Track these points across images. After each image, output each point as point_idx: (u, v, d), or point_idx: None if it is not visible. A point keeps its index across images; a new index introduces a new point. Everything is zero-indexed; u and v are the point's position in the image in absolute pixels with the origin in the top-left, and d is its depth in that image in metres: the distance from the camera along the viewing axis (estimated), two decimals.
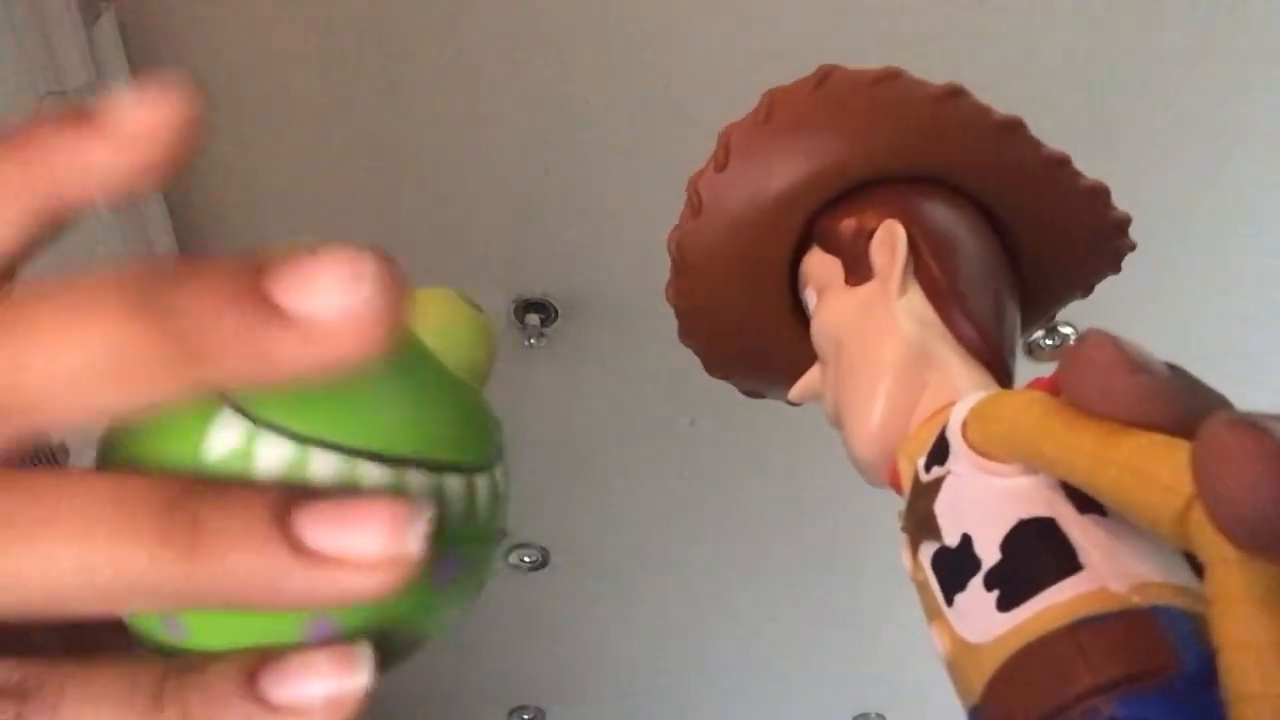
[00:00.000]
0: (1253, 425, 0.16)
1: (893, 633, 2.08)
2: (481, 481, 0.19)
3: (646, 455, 1.86)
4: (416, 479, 0.17)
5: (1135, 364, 0.20)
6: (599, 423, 1.81)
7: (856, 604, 2.09)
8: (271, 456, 0.16)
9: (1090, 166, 0.35)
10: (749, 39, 1.30)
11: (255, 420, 0.16)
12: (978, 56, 1.30)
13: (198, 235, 1.50)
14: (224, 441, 0.16)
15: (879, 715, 2.40)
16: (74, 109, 0.17)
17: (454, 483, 0.18)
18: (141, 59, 1.31)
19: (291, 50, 1.32)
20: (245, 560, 0.15)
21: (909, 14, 1.28)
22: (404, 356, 0.18)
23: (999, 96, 0.33)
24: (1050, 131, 0.34)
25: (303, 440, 0.16)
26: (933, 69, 0.33)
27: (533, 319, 1.63)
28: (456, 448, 0.18)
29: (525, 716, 2.45)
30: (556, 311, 1.63)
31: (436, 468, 0.17)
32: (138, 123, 0.17)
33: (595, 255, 1.55)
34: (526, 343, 1.64)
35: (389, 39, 1.32)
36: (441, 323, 0.21)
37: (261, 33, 1.31)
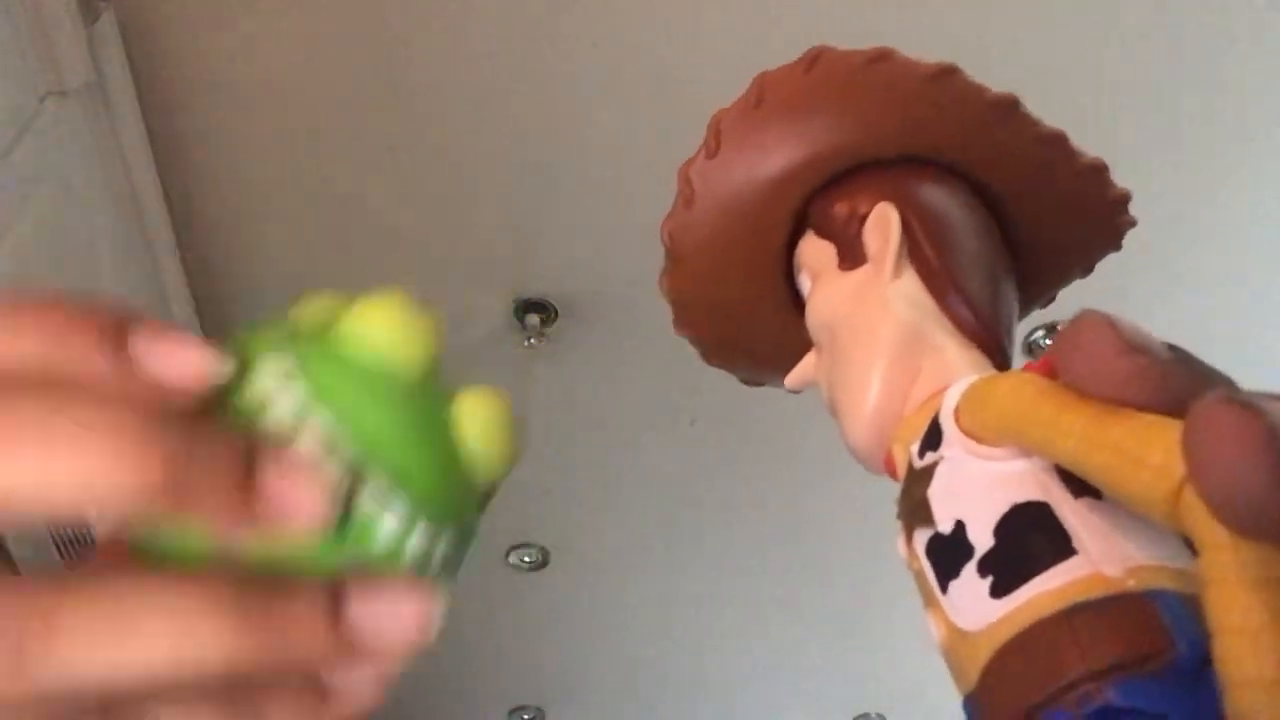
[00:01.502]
0: (1243, 404, 0.16)
1: (893, 633, 2.07)
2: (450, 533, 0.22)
3: (646, 455, 1.86)
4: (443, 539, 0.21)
5: (1130, 345, 0.20)
6: (599, 423, 1.80)
7: (856, 604, 2.09)
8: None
9: (1101, 153, 0.34)
10: (750, 36, 1.30)
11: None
12: (977, 49, 1.30)
13: (198, 235, 1.50)
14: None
15: (879, 715, 2.39)
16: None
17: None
18: (141, 59, 1.31)
19: (292, 51, 1.32)
20: (309, 646, 0.18)
21: (910, 5, 1.28)
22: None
23: (1001, 87, 0.33)
24: (1054, 122, 0.33)
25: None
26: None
27: (533, 319, 1.63)
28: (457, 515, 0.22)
29: (525, 716, 2.45)
30: (556, 311, 1.63)
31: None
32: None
33: (595, 255, 1.54)
34: (526, 343, 1.63)
35: (389, 39, 1.32)
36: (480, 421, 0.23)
37: (262, 33, 1.30)
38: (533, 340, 1.63)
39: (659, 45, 1.33)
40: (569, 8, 1.30)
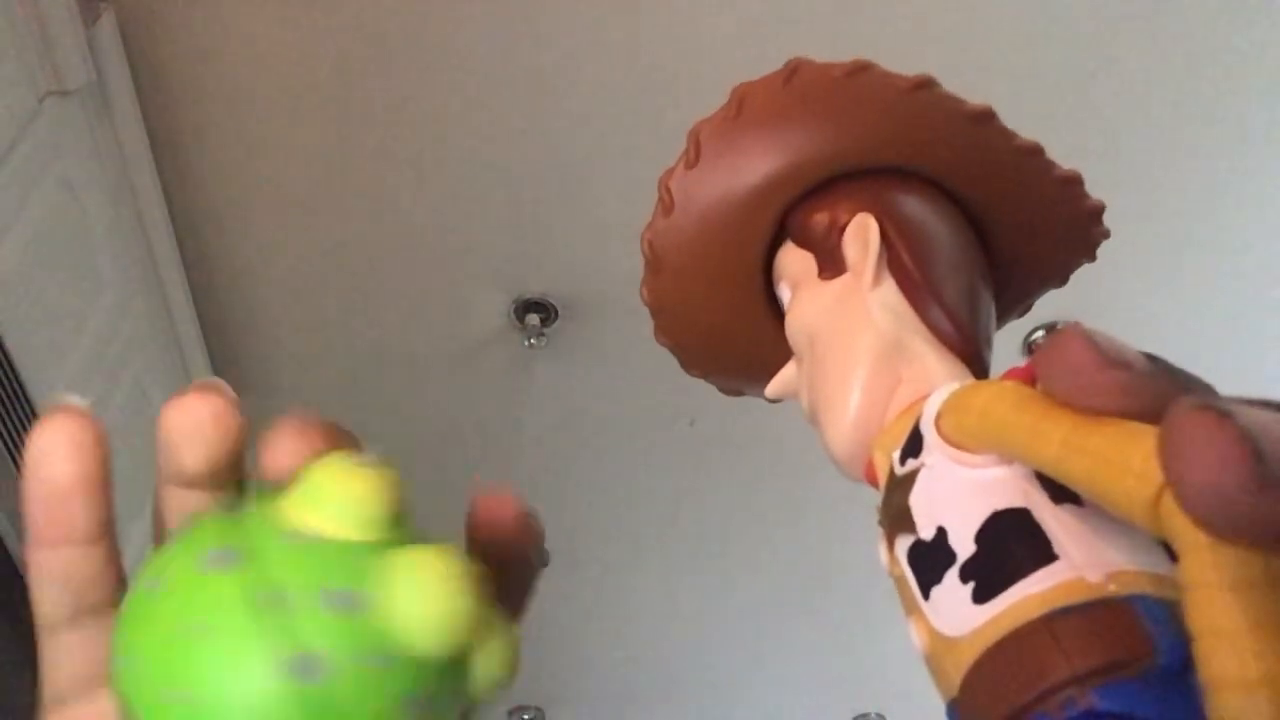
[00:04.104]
0: (1215, 409, 0.16)
1: (893, 633, 2.07)
2: None
3: (646, 455, 1.86)
4: None
5: (1109, 360, 0.20)
6: (599, 423, 1.81)
7: (857, 604, 2.09)
8: None
9: (1093, 164, 0.35)
10: (750, 39, 1.30)
11: None
12: (977, 53, 1.30)
13: (198, 235, 1.50)
14: None
15: (879, 715, 2.39)
16: None
17: None
18: (141, 59, 1.32)
19: (291, 51, 1.33)
20: None
21: (909, 12, 1.28)
22: None
23: (997, 91, 0.33)
24: (1052, 128, 0.34)
25: None
26: (930, 68, 0.33)
27: (533, 319, 1.63)
28: None
29: (525, 716, 2.45)
30: (556, 311, 1.63)
31: None
32: None
33: (595, 255, 1.55)
34: (526, 343, 1.64)
35: (388, 40, 1.32)
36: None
37: (261, 34, 1.31)
38: (533, 340, 1.64)
39: (659, 47, 1.33)
40: (569, 9, 1.30)
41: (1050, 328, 1.61)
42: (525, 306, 1.62)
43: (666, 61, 1.34)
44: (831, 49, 0.35)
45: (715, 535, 2.02)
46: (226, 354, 1.65)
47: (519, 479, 1.90)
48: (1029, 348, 1.65)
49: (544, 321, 1.64)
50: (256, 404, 1.78)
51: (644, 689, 2.39)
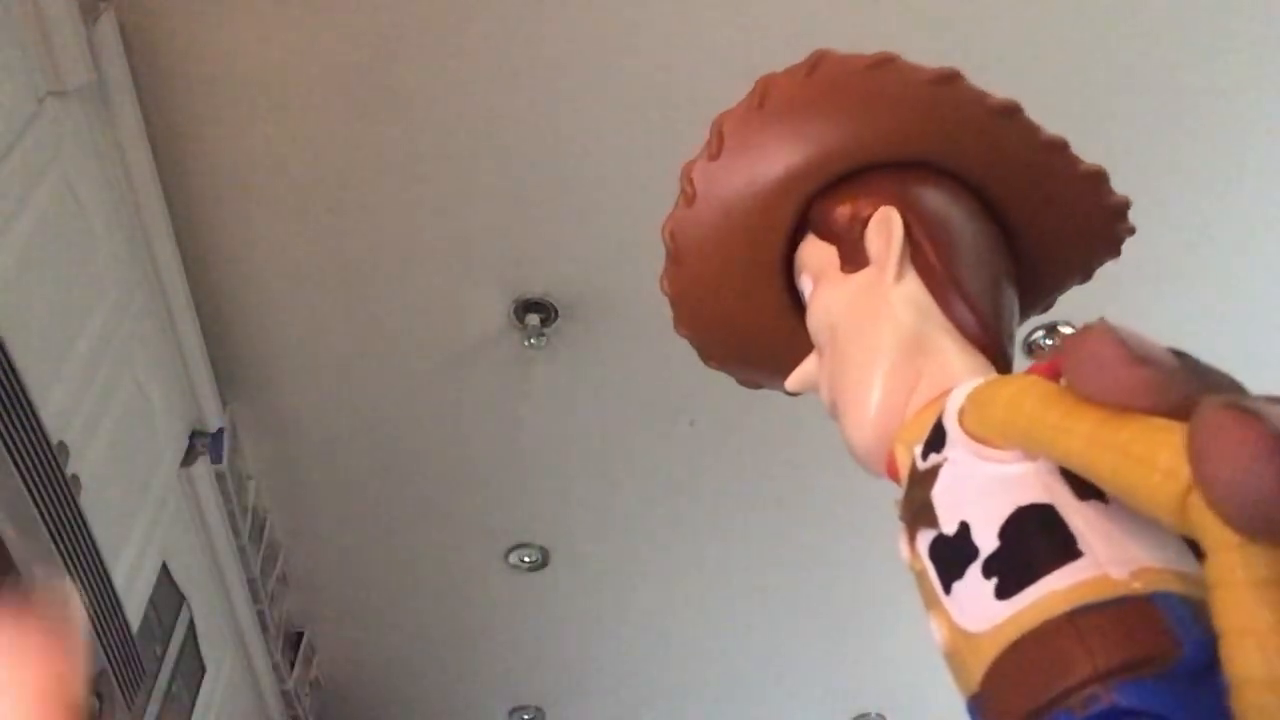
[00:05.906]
0: (1245, 409, 0.16)
1: (893, 633, 2.07)
2: None
3: (646, 455, 1.86)
4: None
5: (1137, 356, 0.20)
6: (599, 423, 1.80)
7: (857, 604, 2.09)
8: None
9: (1102, 160, 0.35)
10: (749, 36, 1.30)
11: None
12: (978, 56, 1.30)
13: (197, 235, 1.50)
14: None
15: (879, 715, 2.39)
16: None
17: None
18: (141, 59, 1.31)
19: (291, 50, 1.32)
20: None
21: (910, 10, 1.28)
22: None
23: (999, 90, 0.33)
24: (1059, 128, 0.33)
25: None
26: (943, 63, 0.33)
27: (533, 319, 1.63)
28: None
29: (525, 716, 2.45)
30: (556, 311, 1.63)
31: None
32: None
33: (595, 255, 1.55)
34: (526, 343, 1.64)
35: (389, 40, 1.32)
36: None
37: (261, 33, 1.31)
38: (533, 340, 1.63)
39: (659, 46, 1.33)
40: (571, 10, 1.30)
41: (1050, 328, 1.61)
42: (525, 306, 1.62)
43: (669, 62, 1.34)
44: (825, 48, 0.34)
45: (714, 535, 2.02)
46: (226, 354, 1.64)
47: (519, 479, 1.89)
48: (1028, 347, 1.65)
49: (544, 321, 1.64)
50: (256, 405, 1.77)
51: (644, 689, 2.39)
